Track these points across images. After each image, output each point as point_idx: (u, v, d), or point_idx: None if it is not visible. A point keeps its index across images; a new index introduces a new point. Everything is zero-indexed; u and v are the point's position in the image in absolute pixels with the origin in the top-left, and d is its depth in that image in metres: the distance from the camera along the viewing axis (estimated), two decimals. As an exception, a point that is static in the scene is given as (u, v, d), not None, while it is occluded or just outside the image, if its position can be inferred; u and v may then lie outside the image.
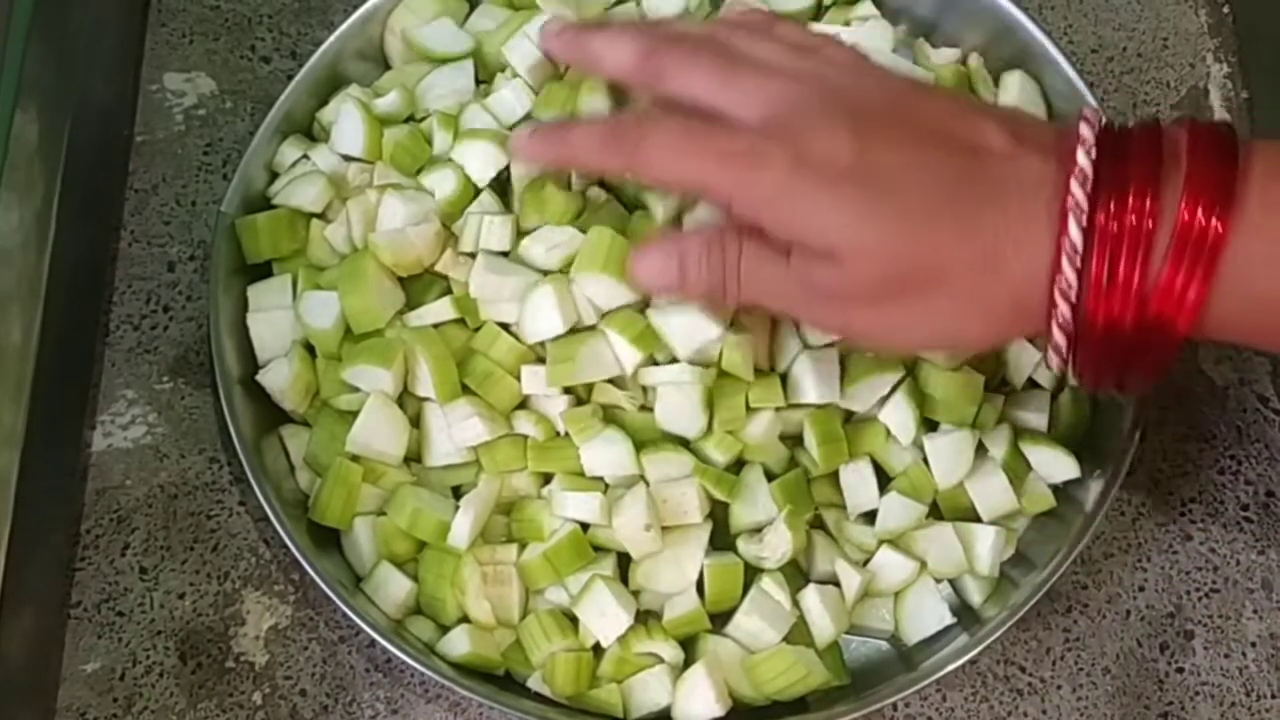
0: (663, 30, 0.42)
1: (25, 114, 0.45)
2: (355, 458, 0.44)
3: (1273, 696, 0.47)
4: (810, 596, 0.44)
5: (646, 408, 0.44)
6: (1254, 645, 0.48)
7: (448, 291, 0.46)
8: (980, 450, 0.46)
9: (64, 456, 0.47)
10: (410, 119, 0.49)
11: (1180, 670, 0.48)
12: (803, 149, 0.35)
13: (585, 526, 0.44)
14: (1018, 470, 0.46)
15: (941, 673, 0.43)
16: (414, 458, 0.45)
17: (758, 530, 0.44)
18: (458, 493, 0.45)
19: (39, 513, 0.44)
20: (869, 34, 0.52)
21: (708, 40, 0.40)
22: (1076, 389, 0.48)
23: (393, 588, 0.44)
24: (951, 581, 0.47)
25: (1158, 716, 0.47)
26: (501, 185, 0.47)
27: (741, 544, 0.44)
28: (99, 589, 0.46)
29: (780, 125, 0.36)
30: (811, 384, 0.44)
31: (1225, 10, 0.59)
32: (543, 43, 0.45)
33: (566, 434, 0.44)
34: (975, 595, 0.46)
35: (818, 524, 0.46)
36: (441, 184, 0.46)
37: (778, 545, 0.43)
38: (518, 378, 0.44)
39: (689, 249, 0.39)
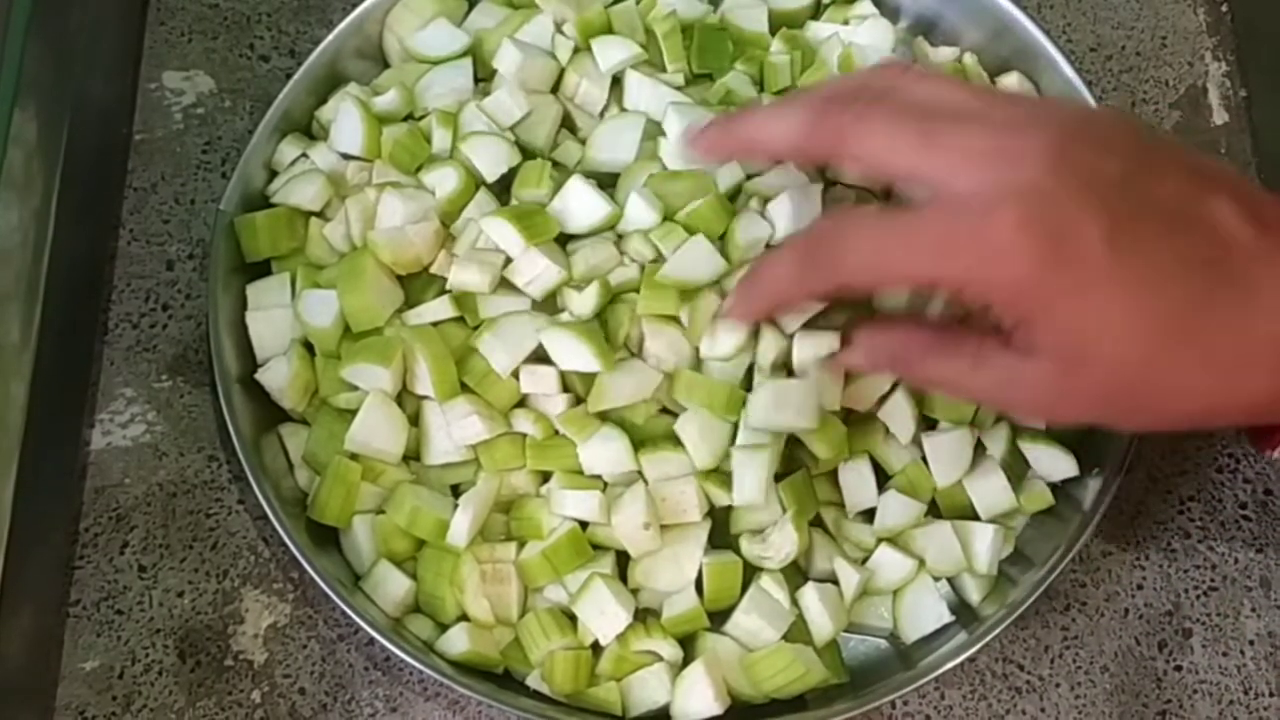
0: (819, 91, 0.37)
1: (24, 112, 0.45)
2: (354, 456, 0.44)
3: (1270, 694, 0.47)
4: (809, 595, 0.44)
5: (668, 411, 0.45)
6: (1252, 643, 0.48)
7: (447, 290, 0.46)
8: (979, 449, 0.46)
9: (63, 455, 0.47)
10: (409, 117, 0.49)
11: (1178, 668, 0.48)
12: (1047, 241, 0.31)
13: (584, 525, 0.44)
14: (1016, 469, 0.46)
15: (940, 671, 0.43)
16: (413, 456, 0.45)
17: (760, 530, 0.44)
18: (457, 491, 0.45)
19: (38, 511, 0.44)
20: (869, 32, 0.52)
21: (883, 92, 0.34)
22: None
23: (392, 586, 0.44)
24: (950, 580, 0.47)
25: (1156, 714, 0.47)
26: (502, 183, 0.47)
27: (744, 544, 0.44)
28: (98, 587, 0.46)
29: (1006, 200, 0.31)
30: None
31: (1224, 9, 0.59)
32: (690, 149, 0.40)
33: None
34: (974, 593, 0.46)
35: (817, 522, 0.46)
36: (443, 182, 0.47)
37: (782, 545, 0.43)
38: (517, 376, 0.44)
39: (878, 343, 0.38)
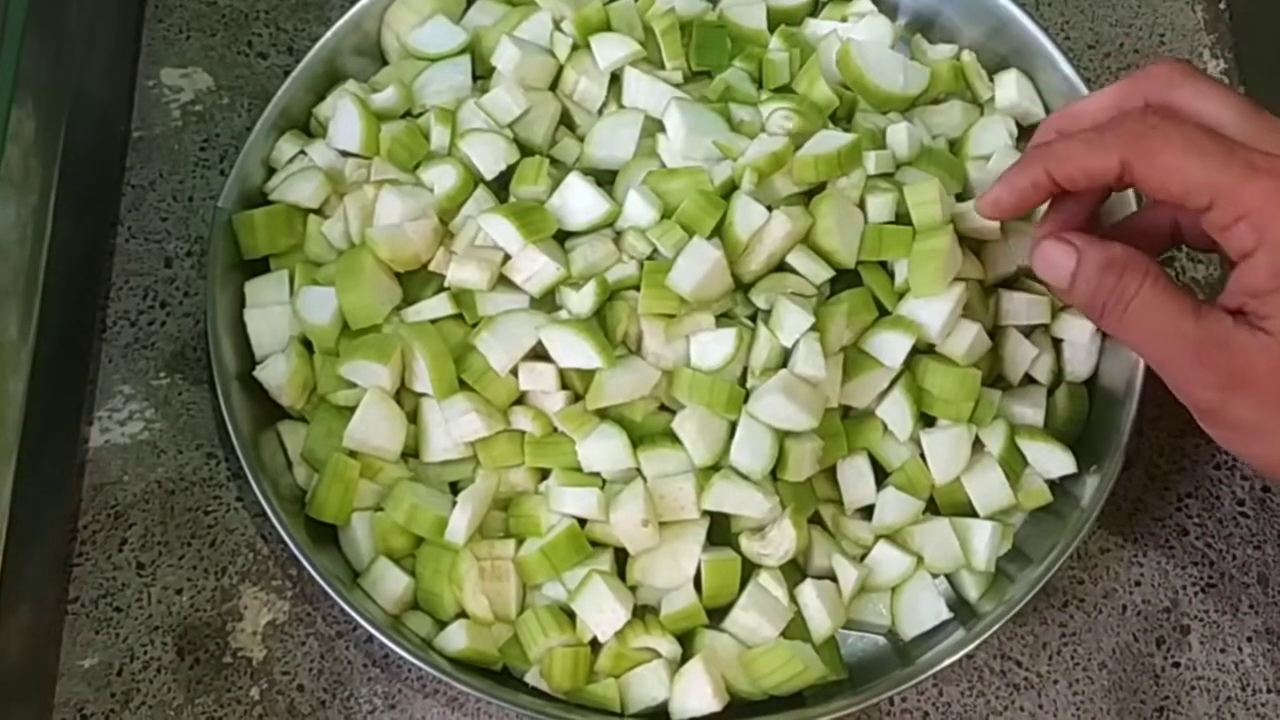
0: (1124, 118, 0.39)
1: (22, 110, 0.45)
2: (352, 453, 0.44)
3: (1268, 690, 0.48)
4: (807, 592, 0.44)
5: (666, 408, 0.45)
6: (1250, 640, 0.48)
7: (445, 287, 0.46)
8: (977, 446, 0.46)
9: (61, 452, 0.47)
10: (408, 114, 0.50)
11: (1176, 665, 0.48)
12: None
13: (583, 522, 0.44)
14: (1014, 466, 0.46)
15: (938, 667, 0.43)
16: (411, 453, 0.45)
17: (759, 528, 0.44)
18: (455, 488, 0.45)
19: (36, 508, 0.44)
20: (868, 29, 0.52)
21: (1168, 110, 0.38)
22: (1073, 383, 0.48)
23: (390, 583, 0.44)
24: (948, 577, 0.47)
25: (1154, 711, 0.47)
26: (500, 181, 0.47)
27: (744, 541, 0.44)
28: (96, 584, 0.46)
29: None
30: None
31: (1221, 6, 0.59)
32: (991, 213, 0.42)
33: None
34: (972, 590, 0.46)
35: (815, 519, 0.46)
36: (441, 179, 0.47)
37: (781, 543, 0.43)
38: (515, 373, 0.44)
39: (1088, 260, 0.39)
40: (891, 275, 0.46)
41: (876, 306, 0.46)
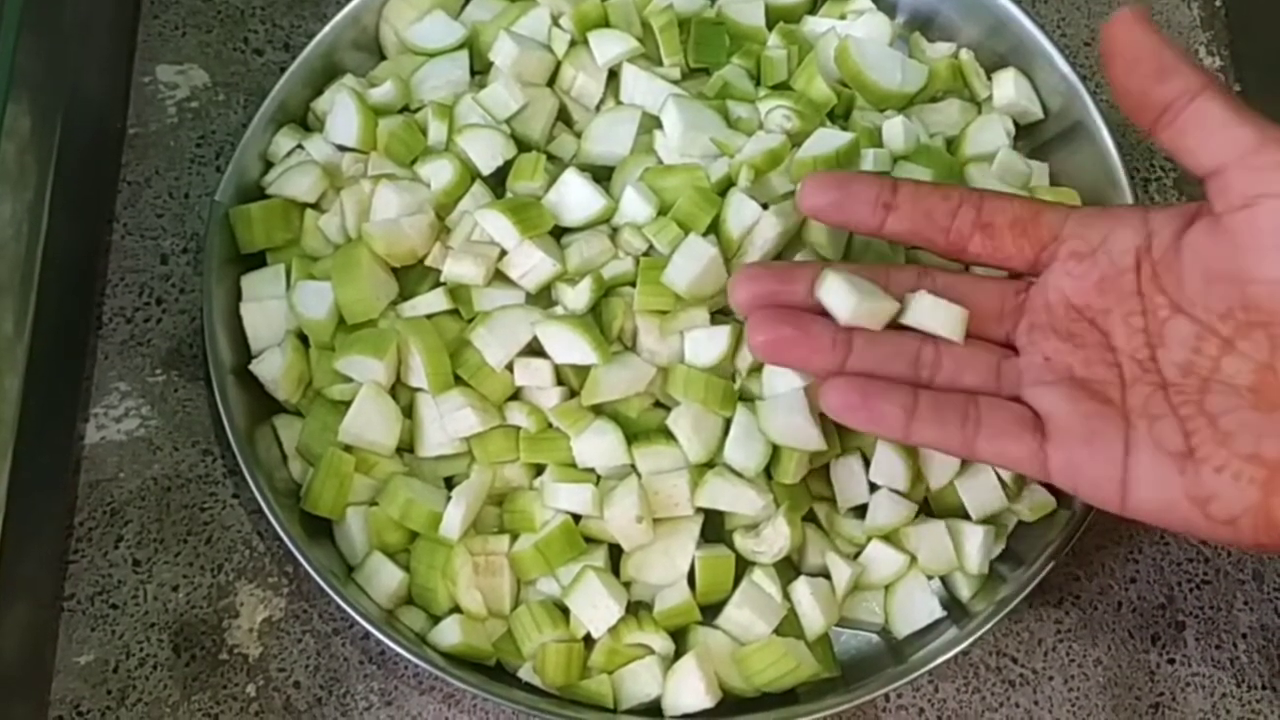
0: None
1: (17, 106, 0.45)
2: (348, 448, 0.44)
3: (1263, 687, 0.48)
4: (801, 589, 0.44)
5: (661, 405, 0.45)
6: (1245, 636, 0.48)
7: (441, 282, 0.46)
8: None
9: (57, 449, 0.47)
10: (405, 109, 0.50)
11: (1171, 661, 0.48)
12: None
13: (577, 518, 0.44)
14: (1017, 478, 0.45)
15: (931, 665, 0.43)
16: (406, 448, 0.45)
17: (754, 526, 0.44)
18: (450, 483, 0.45)
19: (32, 505, 0.44)
20: (866, 26, 0.52)
21: None
22: None
23: (384, 578, 0.44)
24: (941, 576, 0.47)
25: (1149, 708, 0.47)
26: (497, 176, 0.47)
27: (738, 538, 0.44)
28: (92, 581, 0.46)
29: None
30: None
31: (1217, 3, 0.59)
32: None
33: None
34: (964, 590, 0.46)
35: (809, 517, 0.46)
36: (438, 174, 0.47)
37: (775, 540, 0.43)
38: (510, 369, 0.44)
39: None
40: None
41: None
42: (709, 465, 0.44)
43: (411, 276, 0.46)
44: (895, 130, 0.48)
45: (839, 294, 0.39)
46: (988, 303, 0.40)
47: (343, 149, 0.48)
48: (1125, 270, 0.37)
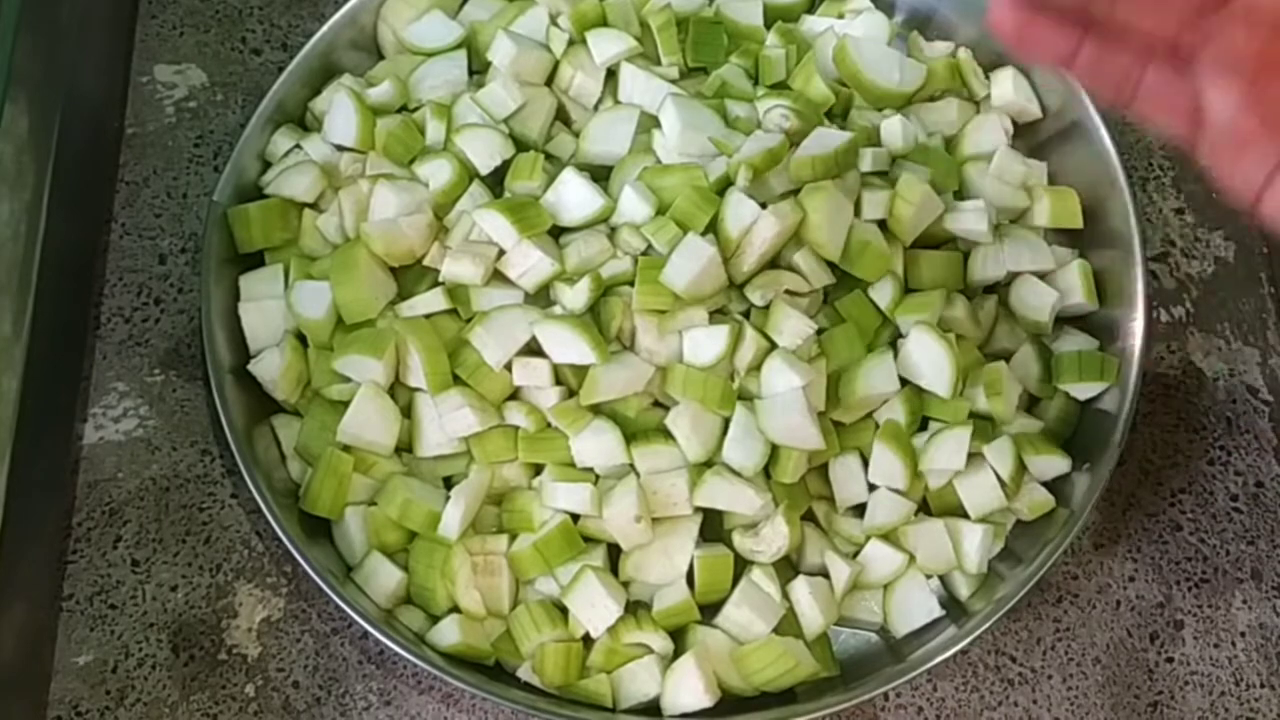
0: None
1: (15, 106, 0.45)
2: (346, 448, 0.44)
3: (1261, 685, 0.48)
4: (799, 588, 0.44)
5: (660, 404, 0.45)
6: (1243, 635, 0.48)
7: (439, 282, 0.46)
8: (972, 449, 0.45)
9: (55, 449, 0.47)
10: (403, 109, 0.49)
11: (1170, 660, 0.48)
12: None
13: (575, 517, 0.44)
14: (1016, 476, 0.46)
15: (930, 664, 0.43)
16: (405, 448, 0.45)
17: (752, 525, 0.44)
18: (449, 483, 0.45)
19: (30, 506, 0.44)
20: (865, 26, 0.52)
21: None
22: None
23: (383, 577, 0.44)
24: (940, 575, 0.47)
25: (1147, 706, 0.47)
26: (496, 176, 0.47)
27: (737, 538, 0.44)
28: (91, 582, 0.46)
29: None
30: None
31: None
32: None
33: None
34: (963, 589, 0.46)
35: (808, 516, 0.46)
36: (437, 173, 0.47)
37: (774, 540, 0.43)
38: (509, 369, 0.44)
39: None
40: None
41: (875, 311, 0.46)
42: (708, 464, 0.44)
43: (410, 276, 0.46)
44: (894, 129, 0.48)
45: None
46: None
47: (341, 149, 0.48)
48: None
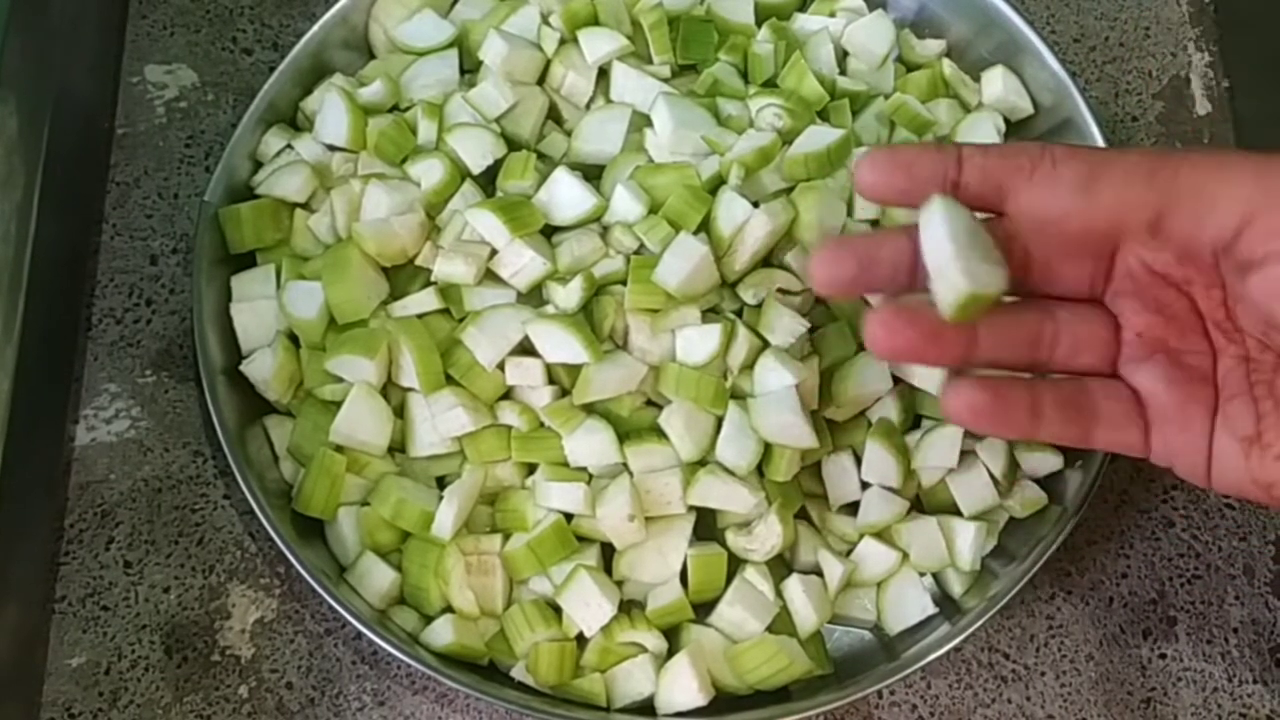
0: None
1: (5, 106, 0.45)
2: (339, 448, 0.44)
3: (1254, 682, 0.48)
4: (793, 586, 0.44)
5: (653, 403, 0.45)
6: (1236, 631, 0.48)
7: (432, 282, 0.46)
8: (964, 446, 0.45)
9: (47, 451, 0.47)
10: (395, 108, 0.49)
11: (1163, 656, 0.48)
12: None
13: (569, 517, 0.44)
14: (1010, 474, 0.46)
15: (924, 662, 0.43)
16: (398, 448, 0.45)
17: (746, 523, 0.44)
18: (442, 483, 0.45)
19: (22, 507, 0.44)
20: (866, 26, 0.52)
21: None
22: None
23: (376, 578, 0.44)
24: (933, 572, 0.47)
25: (1140, 702, 0.47)
26: (487, 175, 0.47)
27: (730, 536, 0.44)
28: (83, 583, 0.46)
29: None
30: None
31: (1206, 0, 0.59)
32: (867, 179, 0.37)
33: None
34: (956, 586, 0.46)
35: (801, 515, 0.46)
36: (428, 173, 0.46)
37: (767, 538, 0.43)
38: (502, 368, 0.44)
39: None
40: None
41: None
42: (701, 463, 0.44)
43: (402, 276, 0.46)
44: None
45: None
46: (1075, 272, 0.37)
47: (332, 148, 0.48)
48: (1202, 246, 0.35)
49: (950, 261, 0.33)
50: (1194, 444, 0.36)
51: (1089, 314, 0.37)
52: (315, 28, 0.50)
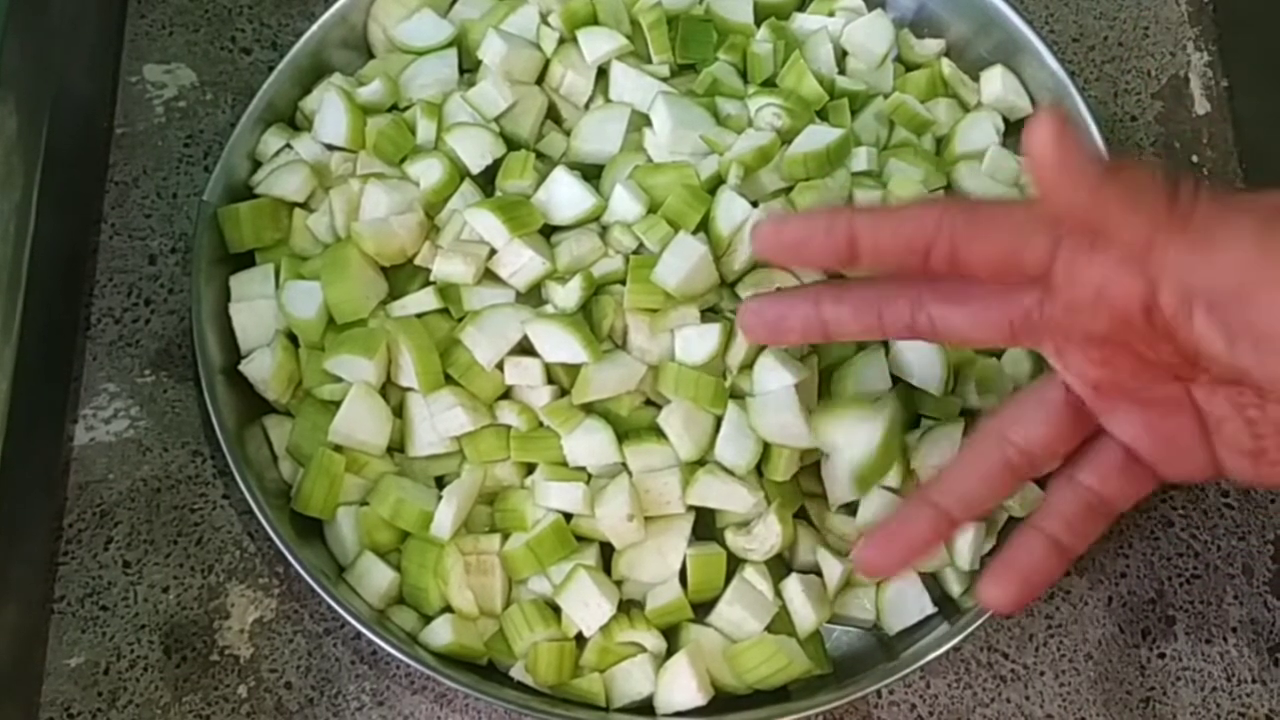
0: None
1: (4, 106, 0.45)
2: (338, 448, 0.44)
3: (1253, 681, 0.48)
4: (792, 586, 0.44)
5: (652, 403, 0.45)
6: (1235, 630, 0.48)
7: (431, 281, 0.46)
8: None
9: (46, 451, 0.47)
10: (394, 108, 0.49)
11: (1162, 656, 0.48)
12: None
13: (568, 516, 0.44)
14: None
15: (923, 661, 0.43)
16: (397, 448, 0.45)
17: (745, 523, 0.44)
18: (441, 483, 0.45)
19: (21, 507, 0.44)
20: (865, 26, 0.52)
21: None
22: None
23: (375, 577, 0.43)
24: (932, 572, 0.47)
25: (1140, 702, 0.47)
26: (487, 175, 0.47)
27: (729, 536, 0.44)
28: (82, 583, 0.46)
29: None
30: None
31: (1206, -1, 0.59)
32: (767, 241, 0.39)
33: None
34: (955, 586, 0.46)
35: (800, 514, 0.46)
36: (427, 173, 0.46)
37: (766, 538, 0.43)
38: (501, 368, 0.44)
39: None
40: None
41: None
42: (700, 463, 0.44)
43: (401, 276, 0.46)
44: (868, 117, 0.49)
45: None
46: (996, 326, 0.37)
47: (331, 148, 0.48)
48: (1133, 313, 0.33)
49: None
50: (1197, 465, 0.36)
51: (1060, 431, 0.38)
52: (314, 27, 0.50)
